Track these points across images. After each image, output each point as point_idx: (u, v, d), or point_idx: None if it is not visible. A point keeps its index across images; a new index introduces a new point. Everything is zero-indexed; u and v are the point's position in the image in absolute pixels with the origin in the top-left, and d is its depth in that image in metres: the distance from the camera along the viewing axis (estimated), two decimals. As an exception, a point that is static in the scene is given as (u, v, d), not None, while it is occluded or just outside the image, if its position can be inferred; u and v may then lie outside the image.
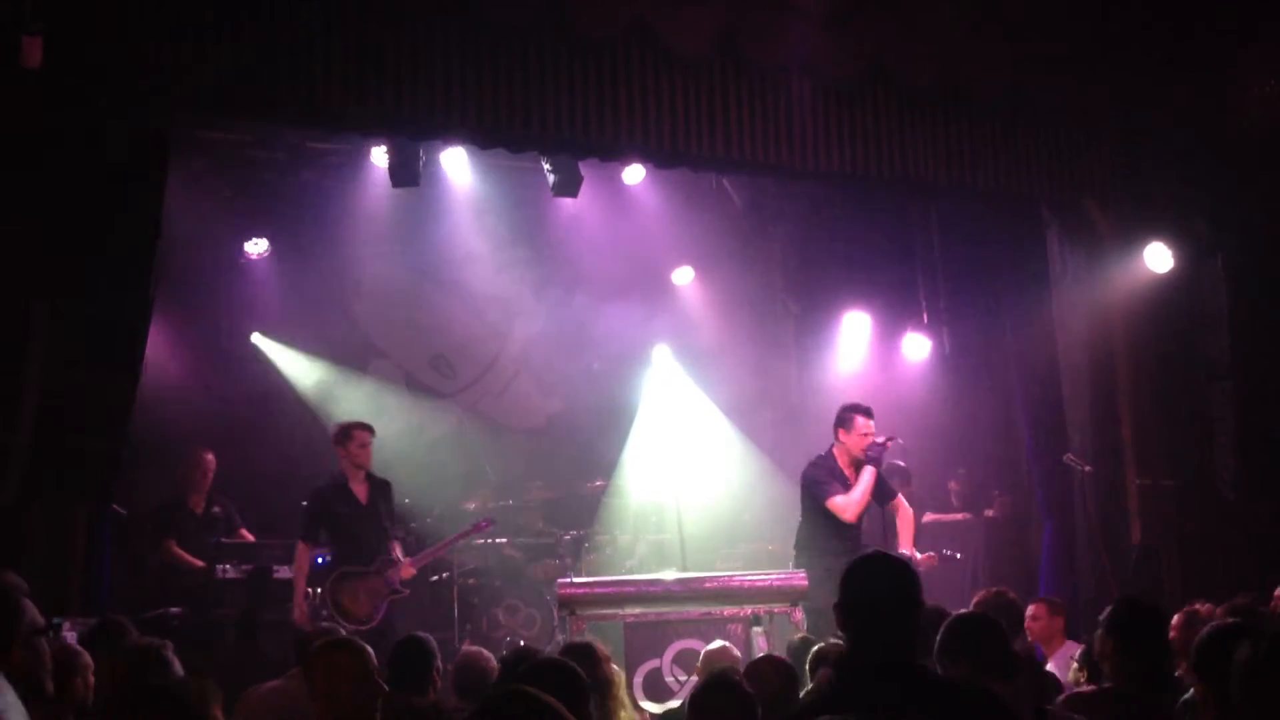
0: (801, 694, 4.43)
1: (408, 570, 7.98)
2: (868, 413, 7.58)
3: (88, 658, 4.21)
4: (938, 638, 3.75)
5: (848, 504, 7.41)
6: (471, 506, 9.95)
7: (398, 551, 8.06)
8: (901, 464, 9.17)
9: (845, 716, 2.52)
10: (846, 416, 7.60)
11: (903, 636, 2.91)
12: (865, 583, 3.01)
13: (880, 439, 7.52)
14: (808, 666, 4.79)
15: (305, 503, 8.07)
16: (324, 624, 5.78)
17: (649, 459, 10.85)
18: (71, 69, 6.27)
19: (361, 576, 7.82)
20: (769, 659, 4.70)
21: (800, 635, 5.88)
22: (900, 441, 7.66)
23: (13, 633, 2.79)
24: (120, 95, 6.50)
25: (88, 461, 6.57)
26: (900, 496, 7.83)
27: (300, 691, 4.93)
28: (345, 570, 7.82)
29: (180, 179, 8.34)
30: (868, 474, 7.46)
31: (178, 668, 4.27)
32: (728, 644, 5.61)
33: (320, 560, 8.75)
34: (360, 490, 8.01)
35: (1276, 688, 2.72)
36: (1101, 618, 4.16)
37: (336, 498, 7.97)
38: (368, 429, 8.12)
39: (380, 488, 8.14)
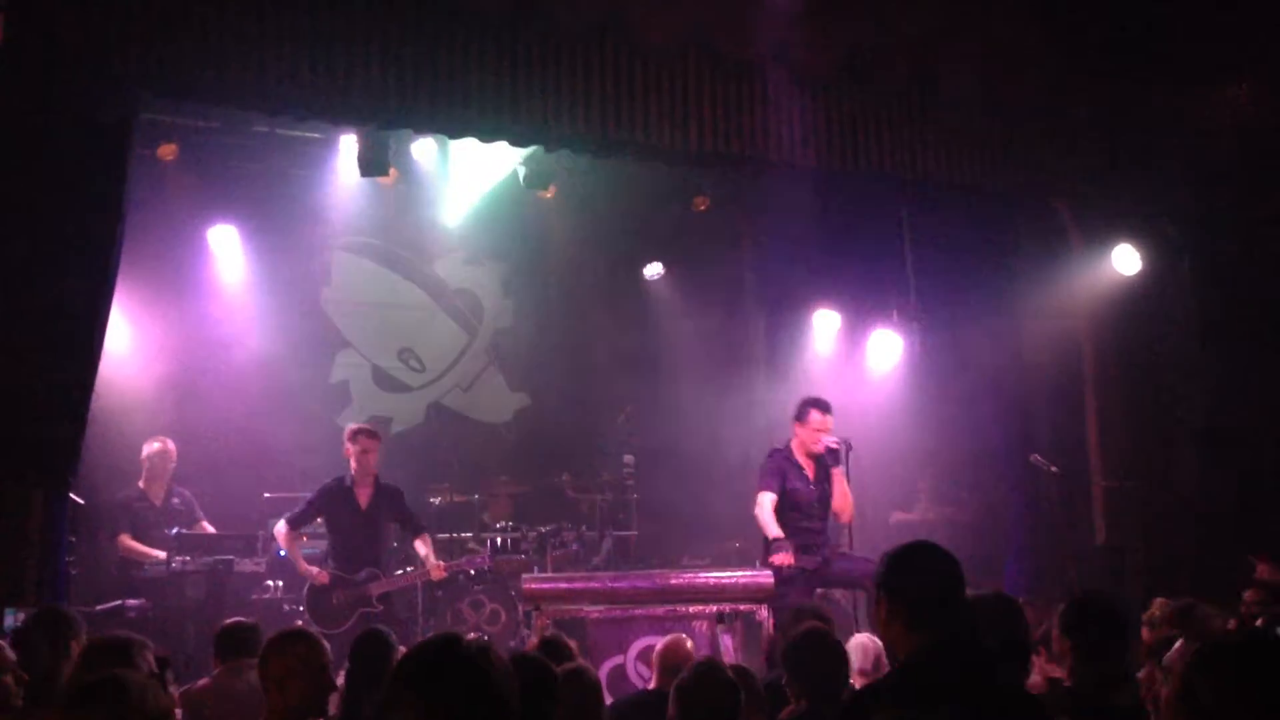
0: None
1: (438, 572, 7.99)
2: (823, 407, 7.51)
3: (10, 654, 3.93)
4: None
5: (759, 506, 7.33)
6: (437, 501, 9.88)
7: (427, 548, 8.04)
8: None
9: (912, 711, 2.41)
10: (802, 410, 7.55)
11: (963, 623, 2.85)
12: (917, 574, 2.94)
13: (834, 441, 7.45)
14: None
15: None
16: (240, 619, 5.61)
17: (616, 454, 10.78)
18: (32, 51, 6.16)
19: (344, 584, 7.82)
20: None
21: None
22: (851, 447, 7.54)
23: None
24: (83, 79, 6.39)
25: (45, 450, 6.45)
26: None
27: (230, 689, 4.85)
28: (332, 574, 7.82)
29: (146, 165, 8.25)
30: (771, 528, 7.22)
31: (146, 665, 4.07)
32: (683, 636, 5.54)
33: (279, 553, 8.70)
34: (363, 495, 7.96)
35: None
36: (1059, 616, 4.13)
37: (338, 499, 7.94)
38: (371, 435, 8.04)
39: (387, 496, 8.05)
